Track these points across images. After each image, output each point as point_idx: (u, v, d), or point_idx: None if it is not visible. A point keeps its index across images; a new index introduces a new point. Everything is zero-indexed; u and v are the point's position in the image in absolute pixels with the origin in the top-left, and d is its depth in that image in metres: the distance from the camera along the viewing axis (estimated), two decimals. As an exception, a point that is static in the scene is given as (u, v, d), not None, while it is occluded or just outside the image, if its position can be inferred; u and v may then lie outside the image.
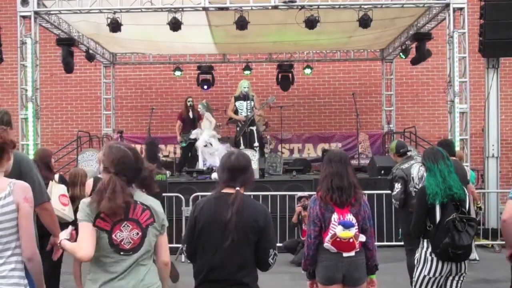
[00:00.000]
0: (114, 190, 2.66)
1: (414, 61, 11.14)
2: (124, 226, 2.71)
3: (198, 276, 3.01)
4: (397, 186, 5.69)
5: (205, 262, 2.96)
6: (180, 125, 10.87)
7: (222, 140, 11.09)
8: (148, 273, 2.77)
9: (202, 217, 2.97)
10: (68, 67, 10.57)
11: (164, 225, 2.85)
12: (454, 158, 5.95)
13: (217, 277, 2.92)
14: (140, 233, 2.73)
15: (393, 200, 5.77)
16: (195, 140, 10.53)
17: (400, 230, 6.07)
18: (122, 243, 2.69)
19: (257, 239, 2.93)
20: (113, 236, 2.68)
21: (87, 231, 2.66)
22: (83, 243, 2.64)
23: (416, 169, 5.66)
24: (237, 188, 2.96)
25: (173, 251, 8.26)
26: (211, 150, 10.16)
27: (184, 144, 10.69)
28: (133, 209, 2.74)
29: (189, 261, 3.10)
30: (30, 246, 2.67)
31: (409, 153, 6.19)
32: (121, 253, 2.69)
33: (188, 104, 10.80)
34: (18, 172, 3.23)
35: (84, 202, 2.74)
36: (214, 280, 2.94)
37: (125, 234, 2.70)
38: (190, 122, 10.75)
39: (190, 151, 10.77)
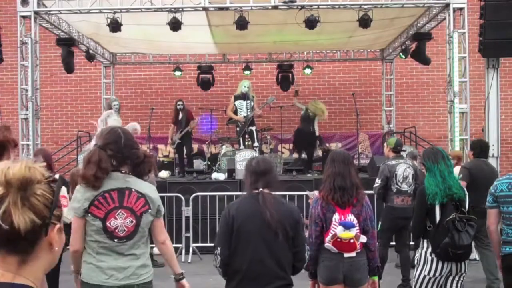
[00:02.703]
0: (89, 161, 2.72)
1: (425, 61, 10.96)
2: (118, 214, 2.75)
3: (235, 276, 3.04)
4: (377, 181, 6.22)
5: (245, 258, 3.00)
6: (173, 128, 10.92)
7: (222, 140, 11.08)
8: (141, 259, 2.81)
9: (240, 215, 3.03)
10: (69, 67, 10.57)
11: (160, 210, 2.90)
12: (484, 159, 6.37)
13: (258, 273, 2.98)
14: (134, 221, 2.77)
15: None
16: (182, 139, 10.60)
17: (380, 223, 6.23)
18: (116, 230, 2.74)
19: (294, 234, 3.03)
20: (107, 223, 2.73)
21: (75, 225, 2.75)
22: (71, 239, 2.74)
23: (402, 169, 6.11)
24: (260, 189, 3.07)
25: (173, 251, 8.34)
26: None
27: (174, 146, 10.71)
28: (127, 197, 2.78)
29: (219, 266, 3.09)
30: None
31: (402, 153, 6.51)
32: (115, 240, 2.75)
33: (178, 108, 10.76)
34: None
35: (77, 189, 2.79)
36: (255, 276, 2.99)
37: (120, 222, 2.75)
38: (180, 123, 10.77)
39: (182, 151, 10.77)
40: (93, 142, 2.92)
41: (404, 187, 6.10)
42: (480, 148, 6.41)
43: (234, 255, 3.02)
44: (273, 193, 3.13)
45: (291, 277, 3.11)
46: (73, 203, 2.76)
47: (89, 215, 2.72)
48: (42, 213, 1.24)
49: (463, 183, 6.01)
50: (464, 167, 6.44)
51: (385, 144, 6.92)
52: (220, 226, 3.14)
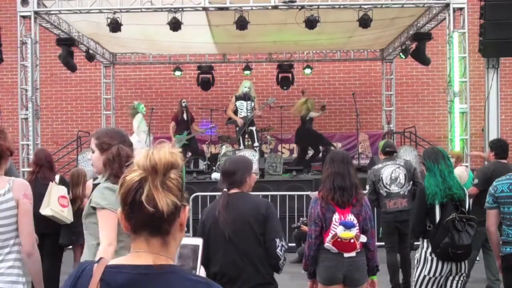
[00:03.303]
0: (128, 155, 2.68)
1: (425, 62, 10.97)
2: None
3: (214, 279, 3.01)
4: (367, 188, 5.94)
5: (217, 262, 3.01)
6: (174, 126, 10.89)
7: (222, 139, 11.08)
8: None
9: (208, 220, 3.07)
10: (70, 66, 10.58)
11: None
12: (504, 161, 5.93)
13: (232, 275, 2.97)
14: None
15: None
16: (190, 140, 10.54)
17: (380, 229, 6.11)
18: None
19: (263, 230, 2.98)
20: None
21: (113, 222, 2.61)
22: (111, 234, 2.61)
23: (389, 171, 5.83)
24: (224, 190, 3.10)
25: (173, 251, 8.35)
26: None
27: (177, 146, 10.64)
28: None
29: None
30: (29, 242, 2.68)
31: (395, 155, 6.27)
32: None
33: (183, 105, 10.78)
34: None
35: (110, 188, 2.67)
36: (229, 278, 2.98)
37: None
38: (184, 123, 10.75)
39: (186, 152, 10.76)
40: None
41: (394, 189, 5.80)
42: (501, 148, 6.02)
43: (209, 259, 3.03)
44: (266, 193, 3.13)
45: (270, 275, 3.05)
46: (109, 197, 2.71)
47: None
48: (178, 196, 1.31)
49: (474, 190, 5.70)
50: (482, 170, 6.08)
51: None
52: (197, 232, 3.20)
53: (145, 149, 1.32)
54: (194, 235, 8.26)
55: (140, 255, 1.32)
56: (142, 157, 1.30)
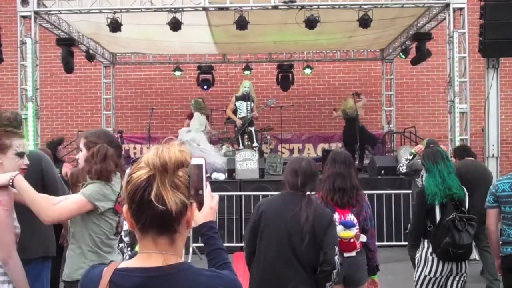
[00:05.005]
0: (105, 155, 2.77)
1: (414, 61, 11.14)
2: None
3: (256, 271, 3.01)
4: (404, 164, 6.16)
5: (266, 261, 2.97)
6: (188, 123, 10.90)
7: (222, 140, 11.07)
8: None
9: (267, 212, 3.02)
10: (68, 67, 10.57)
11: None
12: (470, 158, 6.26)
13: (280, 271, 2.96)
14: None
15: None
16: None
17: (409, 224, 6.16)
18: (119, 225, 2.90)
19: (322, 237, 2.98)
20: (119, 219, 2.86)
21: (79, 206, 2.70)
22: (61, 207, 2.66)
23: None
24: (308, 193, 3.05)
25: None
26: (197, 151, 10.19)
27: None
28: None
29: (246, 259, 3.13)
30: (4, 250, 2.57)
31: None
32: (116, 235, 2.90)
33: None
34: (39, 170, 3.29)
35: (109, 184, 2.79)
36: (276, 275, 2.96)
37: (122, 217, 2.86)
38: None
39: None
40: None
41: None
42: (462, 149, 6.53)
43: (254, 254, 3.03)
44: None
45: (314, 283, 3.03)
46: (99, 193, 2.77)
47: (114, 213, 2.81)
48: (185, 194, 1.30)
49: None
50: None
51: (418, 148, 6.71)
52: (249, 220, 3.15)
53: (154, 147, 1.31)
54: (194, 235, 8.25)
55: (150, 256, 1.31)
56: (152, 155, 1.27)
